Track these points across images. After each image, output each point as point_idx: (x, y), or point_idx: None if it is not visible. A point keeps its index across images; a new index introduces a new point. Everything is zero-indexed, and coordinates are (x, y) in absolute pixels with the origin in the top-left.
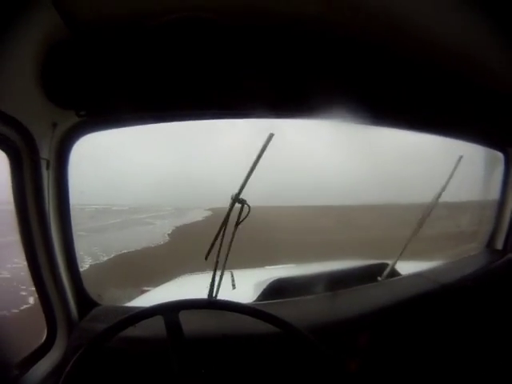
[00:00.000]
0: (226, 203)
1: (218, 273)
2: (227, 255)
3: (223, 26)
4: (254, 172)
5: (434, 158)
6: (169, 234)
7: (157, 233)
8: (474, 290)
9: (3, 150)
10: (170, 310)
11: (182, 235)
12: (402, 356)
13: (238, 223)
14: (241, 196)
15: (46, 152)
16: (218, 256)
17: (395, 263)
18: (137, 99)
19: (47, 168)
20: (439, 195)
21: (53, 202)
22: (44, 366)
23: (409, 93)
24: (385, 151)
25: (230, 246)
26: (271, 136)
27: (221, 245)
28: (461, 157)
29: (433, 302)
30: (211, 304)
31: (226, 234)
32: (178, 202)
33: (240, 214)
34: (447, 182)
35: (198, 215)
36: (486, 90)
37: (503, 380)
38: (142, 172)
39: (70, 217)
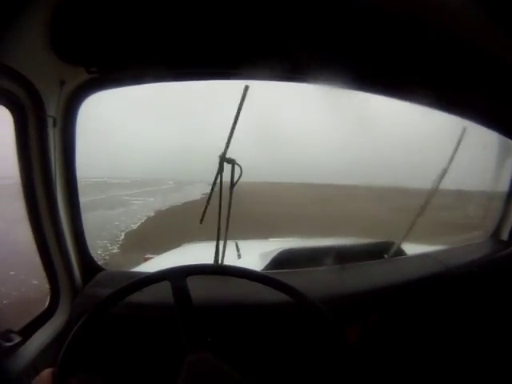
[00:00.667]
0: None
1: (222, 240)
2: (228, 220)
3: None
4: (257, 148)
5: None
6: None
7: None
8: (477, 277)
9: (7, 106)
10: (178, 276)
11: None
12: (405, 334)
13: (232, 185)
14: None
15: (52, 110)
16: (219, 222)
17: (401, 242)
18: (145, 56)
19: (54, 126)
20: (443, 175)
21: (59, 162)
22: (47, 332)
23: (419, 66)
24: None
25: (229, 211)
26: (247, 88)
27: (220, 211)
28: (464, 128)
29: (438, 283)
30: (220, 270)
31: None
32: (180, 175)
33: (232, 175)
34: (452, 157)
35: (196, 192)
36: (503, 72)
37: (503, 365)
38: (144, 145)
39: (76, 180)
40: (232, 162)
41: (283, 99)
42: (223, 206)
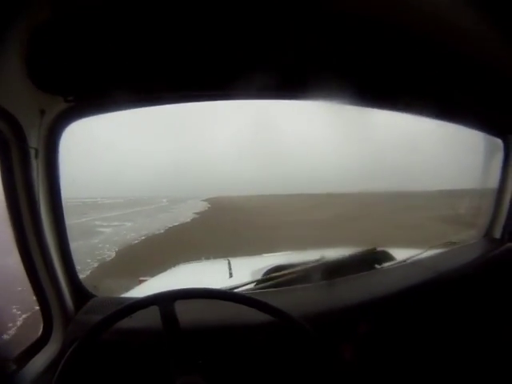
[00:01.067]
0: (225, 191)
1: (211, 261)
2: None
3: (216, 3)
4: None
5: (433, 146)
6: None
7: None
8: (472, 279)
9: None
10: (166, 300)
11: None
12: (399, 344)
13: None
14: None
15: (34, 141)
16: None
17: (390, 248)
18: (125, 82)
19: (36, 157)
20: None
21: (43, 193)
22: (41, 360)
23: (407, 76)
24: (383, 139)
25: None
26: None
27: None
28: None
29: (431, 290)
30: (207, 293)
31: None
32: (174, 192)
33: None
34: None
35: (188, 211)
36: (485, 76)
37: (502, 368)
38: (139, 164)
39: (62, 207)
40: None
41: (284, 115)
42: (214, 227)
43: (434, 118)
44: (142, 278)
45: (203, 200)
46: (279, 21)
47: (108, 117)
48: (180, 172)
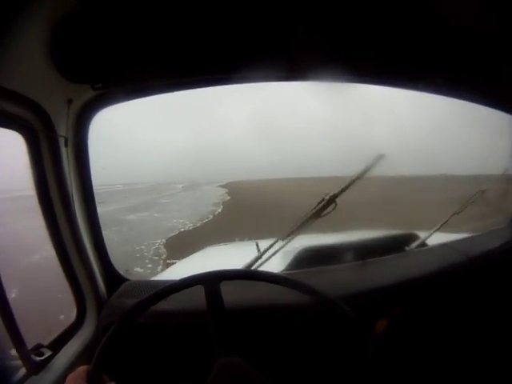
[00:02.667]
0: (239, 176)
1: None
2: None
3: None
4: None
5: (457, 129)
6: None
7: None
8: (501, 265)
9: (19, 131)
10: (212, 280)
11: None
12: (430, 328)
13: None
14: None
15: (63, 129)
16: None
17: (421, 232)
18: (151, 67)
19: (65, 145)
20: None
21: (74, 180)
22: (76, 345)
23: (418, 51)
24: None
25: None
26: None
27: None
28: None
29: (461, 274)
30: (252, 275)
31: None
32: (192, 177)
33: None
34: None
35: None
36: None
37: None
38: (157, 152)
39: (93, 194)
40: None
41: (295, 98)
42: (246, 211)
43: (447, 94)
44: (169, 261)
45: (220, 186)
46: (278, 5)
47: (126, 105)
48: (194, 158)
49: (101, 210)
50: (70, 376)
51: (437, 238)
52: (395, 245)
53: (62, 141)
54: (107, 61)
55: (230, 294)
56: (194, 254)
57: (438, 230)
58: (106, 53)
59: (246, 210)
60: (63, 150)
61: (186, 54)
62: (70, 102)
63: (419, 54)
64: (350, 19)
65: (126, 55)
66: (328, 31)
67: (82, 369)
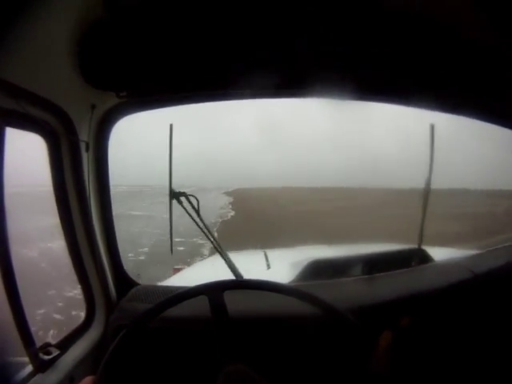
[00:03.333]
0: (245, 183)
1: (247, 252)
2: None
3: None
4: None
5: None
6: None
7: None
8: (507, 283)
9: (41, 134)
10: (215, 290)
11: None
12: (434, 342)
13: (198, 213)
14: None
15: (84, 135)
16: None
17: (424, 248)
18: (175, 79)
19: (87, 150)
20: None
21: (93, 184)
22: (83, 346)
23: (423, 68)
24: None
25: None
26: (171, 127)
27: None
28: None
29: (467, 291)
30: (256, 285)
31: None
32: (201, 182)
33: (191, 205)
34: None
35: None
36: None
37: None
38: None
39: (110, 198)
40: (183, 194)
41: (298, 112)
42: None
43: (449, 112)
44: (176, 267)
45: (225, 193)
46: (281, 20)
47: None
48: (204, 163)
49: None
50: None
51: (443, 254)
52: (402, 260)
53: (83, 145)
54: (133, 70)
55: (235, 302)
56: (203, 261)
57: (439, 244)
58: (132, 62)
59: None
60: (84, 154)
61: (204, 69)
62: (93, 107)
63: (424, 71)
64: (353, 37)
65: (151, 65)
66: (332, 49)
67: (87, 380)
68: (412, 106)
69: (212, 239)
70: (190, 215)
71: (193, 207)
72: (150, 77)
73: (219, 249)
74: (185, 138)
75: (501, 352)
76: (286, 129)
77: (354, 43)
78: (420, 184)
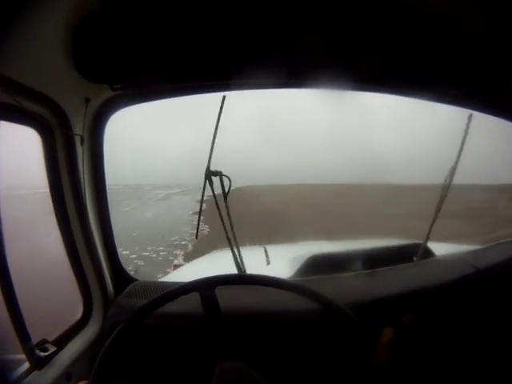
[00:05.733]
0: (246, 181)
1: (247, 248)
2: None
3: None
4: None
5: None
6: None
7: None
8: (509, 277)
9: (35, 128)
10: (206, 286)
11: None
12: (438, 338)
13: (225, 197)
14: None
15: (79, 128)
16: (230, 232)
17: (426, 243)
18: (168, 70)
19: (81, 144)
20: (453, 171)
21: (88, 179)
22: (80, 342)
23: (420, 57)
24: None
25: (230, 221)
26: (224, 98)
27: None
28: (471, 115)
29: (469, 285)
30: (248, 279)
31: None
32: (188, 180)
33: (222, 186)
34: (461, 149)
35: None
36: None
37: None
38: (162, 154)
39: (106, 193)
40: (218, 174)
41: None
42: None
43: (453, 103)
44: (176, 263)
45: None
46: (280, 11)
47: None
48: (199, 160)
49: None
50: None
51: (445, 249)
52: (403, 254)
53: (77, 139)
54: (127, 62)
55: (228, 298)
56: (202, 257)
57: (441, 240)
58: (126, 54)
59: None
60: (79, 148)
61: (201, 60)
62: (87, 101)
63: (425, 61)
64: (352, 27)
65: (145, 57)
66: (331, 39)
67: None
68: (414, 97)
69: (230, 228)
70: (215, 198)
71: (223, 189)
72: (145, 69)
73: (233, 241)
74: (182, 135)
75: (503, 346)
76: (290, 125)
77: (354, 33)
78: (426, 180)
